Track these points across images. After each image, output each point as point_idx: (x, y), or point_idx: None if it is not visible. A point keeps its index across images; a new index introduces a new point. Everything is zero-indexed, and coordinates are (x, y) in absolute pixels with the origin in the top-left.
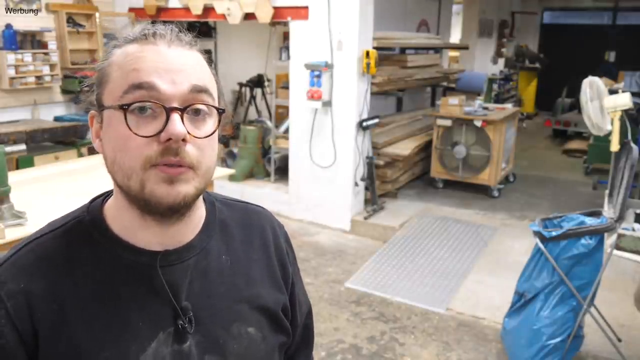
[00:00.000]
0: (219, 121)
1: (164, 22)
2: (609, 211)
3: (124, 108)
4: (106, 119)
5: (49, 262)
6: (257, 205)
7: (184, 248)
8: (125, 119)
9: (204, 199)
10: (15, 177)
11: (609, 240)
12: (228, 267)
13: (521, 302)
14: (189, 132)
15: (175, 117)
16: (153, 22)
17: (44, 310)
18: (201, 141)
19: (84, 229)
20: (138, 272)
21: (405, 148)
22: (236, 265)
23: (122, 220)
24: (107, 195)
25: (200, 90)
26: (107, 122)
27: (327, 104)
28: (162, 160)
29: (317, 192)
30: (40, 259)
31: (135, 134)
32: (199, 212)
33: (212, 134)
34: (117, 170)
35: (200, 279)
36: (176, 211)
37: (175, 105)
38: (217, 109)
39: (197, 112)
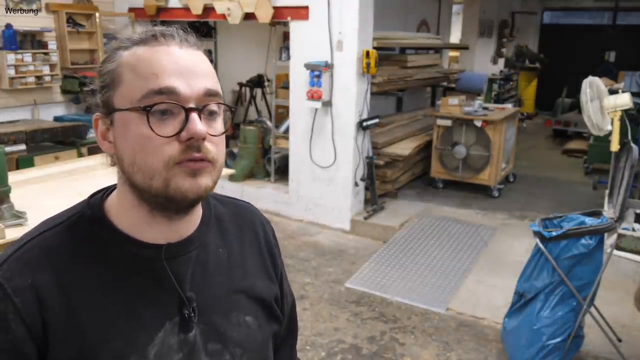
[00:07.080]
0: (229, 119)
1: (163, 22)
2: (609, 211)
3: (147, 110)
4: (120, 121)
5: (54, 257)
6: (244, 202)
7: (186, 241)
8: (148, 120)
9: None
10: (15, 177)
11: (609, 240)
12: (225, 259)
13: (521, 302)
14: None
15: (195, 117)
16: (153, 23)
17: (53, 303)
18: (215, 138)
19: (87, 224)
20: (143, 264)
21: (405, 148)
22: (232, 257)
23: (127, 217)
24: (106, 191)
25: (213, 93)
26: (121, 124)
27: (327, 104)
28: (185, 157)
29: (317, 192)
30: (45, 253)
31: (157, 134)
32: (199, 207)
33: (225, 132)
34: (137, 171)
35: (201, 270)
36: (195, 204)
37: (192, 105)
38: (230, 107)
39: (211, 112)
